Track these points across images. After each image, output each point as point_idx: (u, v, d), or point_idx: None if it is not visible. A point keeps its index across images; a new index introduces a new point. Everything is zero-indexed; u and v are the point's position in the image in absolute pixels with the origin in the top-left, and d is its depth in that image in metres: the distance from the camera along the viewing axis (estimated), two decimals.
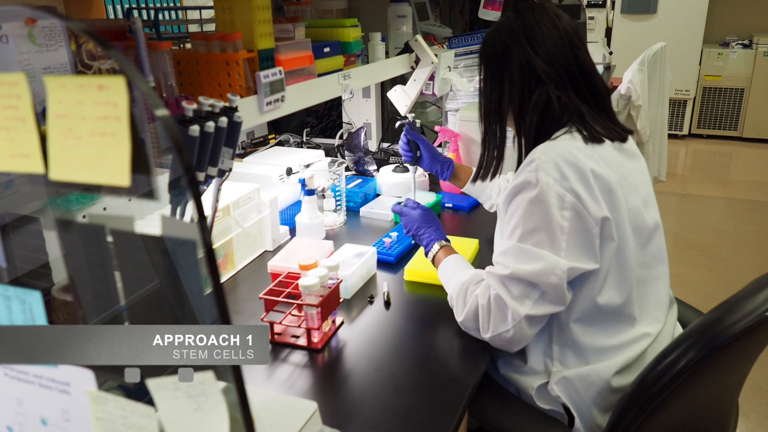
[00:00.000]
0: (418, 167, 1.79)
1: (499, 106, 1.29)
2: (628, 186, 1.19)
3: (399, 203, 1.55)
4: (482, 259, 1.61)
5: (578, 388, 1.18)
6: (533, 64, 1.21)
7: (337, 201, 1.82)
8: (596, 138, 1.19)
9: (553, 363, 1.21)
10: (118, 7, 1.67)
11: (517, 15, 1.25)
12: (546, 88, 1.21)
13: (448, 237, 1.43)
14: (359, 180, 2.10)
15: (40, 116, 0.51)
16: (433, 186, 2.12)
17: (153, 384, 0.55)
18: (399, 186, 2.04)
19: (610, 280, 1.16)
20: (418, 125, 1.82)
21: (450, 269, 1.32)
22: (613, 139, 1.23)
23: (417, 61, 2.12)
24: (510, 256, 1.14)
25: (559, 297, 1.12)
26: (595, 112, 1.23)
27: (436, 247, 1.39)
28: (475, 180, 1.45)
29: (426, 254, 1.42)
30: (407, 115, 1.81)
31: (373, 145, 2.59)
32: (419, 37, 2.09)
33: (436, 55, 2.09)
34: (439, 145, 2.17)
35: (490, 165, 1.37)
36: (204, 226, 0.48)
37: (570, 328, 1.18)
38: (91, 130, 0.47)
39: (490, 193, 1.76)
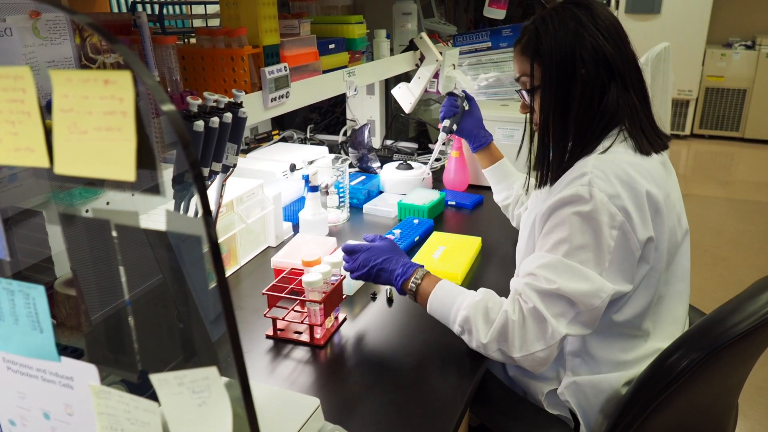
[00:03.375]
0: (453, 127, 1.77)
1: (568, 107, 1.14)
2: (670, 203, 1.14)
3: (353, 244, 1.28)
4: (485, 257, 1.61)
5: (588, 395, 1.17)
6: (607, 56, 1.11)
7: (340, 198, 1.82)
8: (645, 150, 1.12)
9: (566, 372, 1.21)
10: (123, 0, 1.66)
11: (576, 4, 1.14)
12: (614, 84, 1.12)
13: (451, 235, 1.41)
14: (363, 177, 2.10)
15: (45, 110, 0.50)
16: (437, 184, 2.12)
17: (156, 379, 0.55)
18: (402, 183, 2.04)
19: (632, 300, 1.13)
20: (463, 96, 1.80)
21: (447, 294, 1.17)
22: (658, 150, 1.16)
23: (422, 58, 2.11)
24: (554, 270, 1.06)
25: (592, 321, 1.06)
26: (644, 114, 1.16)
27: (420, 273, 1.20)
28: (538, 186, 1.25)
29: (398, 287, 1.20)
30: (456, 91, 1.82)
31: (376, 142, 2.59)
32: (424, 34, 2.08)
33: (440, 53, 2.08)
34: (444, 143, 2.16)
35: (547, 177, 1.20)
36: (209, 221, 0.48)
37: (584, 341, 1.17)
38: (96, 125, 0.47)
39: (511, 183, 1.65)
